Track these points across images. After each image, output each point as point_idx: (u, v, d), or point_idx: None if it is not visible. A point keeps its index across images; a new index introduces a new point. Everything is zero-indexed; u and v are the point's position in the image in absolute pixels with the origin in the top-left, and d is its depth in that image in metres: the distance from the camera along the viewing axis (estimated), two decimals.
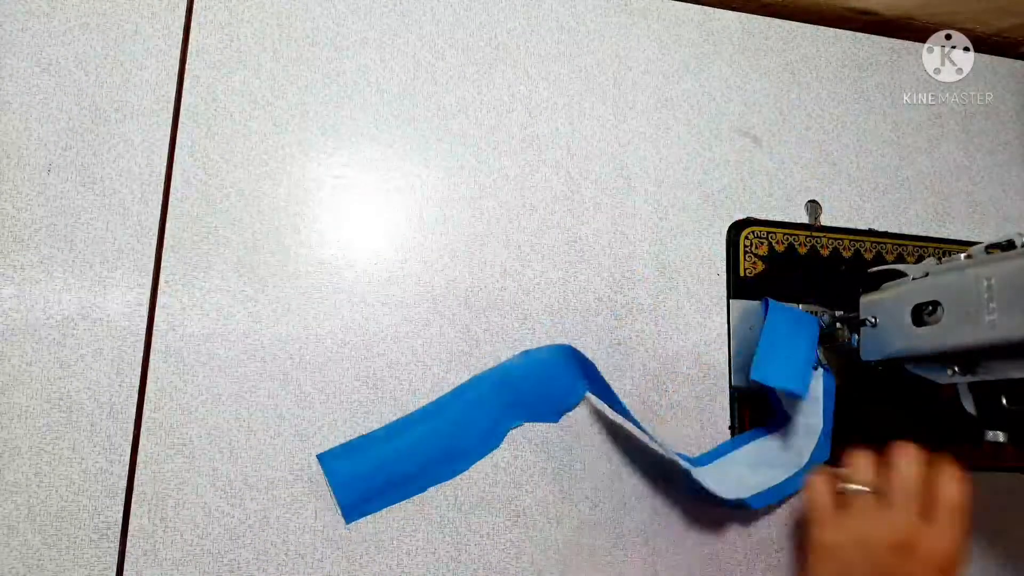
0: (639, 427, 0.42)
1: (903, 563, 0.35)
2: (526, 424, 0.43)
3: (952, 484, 0.36)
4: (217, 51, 0.45)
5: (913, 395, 0.48)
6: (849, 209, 0.52)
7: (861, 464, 0.39)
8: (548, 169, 0.47)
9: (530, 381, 0.44)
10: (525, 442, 0.43)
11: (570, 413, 0.44)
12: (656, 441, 0.42)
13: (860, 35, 0.55)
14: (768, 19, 0.54)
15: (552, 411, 0.44)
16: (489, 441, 0.43)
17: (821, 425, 0.46)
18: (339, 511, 0.40)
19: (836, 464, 0.46)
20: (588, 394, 0.44)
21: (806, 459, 0.46)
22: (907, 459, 0.37)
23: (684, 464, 0.42)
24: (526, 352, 0.44)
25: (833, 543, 0.37)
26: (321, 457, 0.40)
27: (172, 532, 0.39)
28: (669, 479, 0.44)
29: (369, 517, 0.41)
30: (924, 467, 0.37)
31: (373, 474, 0.41)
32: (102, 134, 0.42)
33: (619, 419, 0.44)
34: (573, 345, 0.45)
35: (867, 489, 0.37)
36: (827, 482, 0.39)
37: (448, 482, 0.42)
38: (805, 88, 0.53)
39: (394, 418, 0.42)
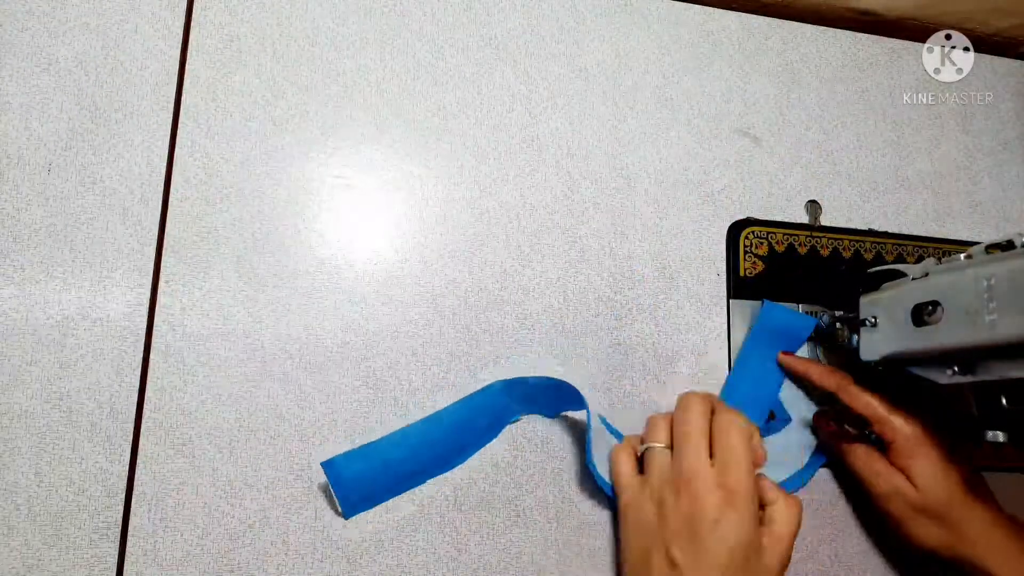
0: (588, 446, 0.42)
1: (685, 501, 0.36)
2: (526, 424, 0.43)
3: (731, 428, 0.37)
4: (217, 51, 0.45)
5: (913, 395, 0.48)
6: (849, 209, 0.52)
7: (656, 424, 0.40)
8: (548, 169, 0.47)
9: (538, 388, 0.43)
10: (525, 442, 0.43)
11: (570, 413, 0.44)
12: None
13: (860, 35, 0.55)
14: (768, 19, 0.54)
15: (552, 409, 0.44)
16: (488, 434, 0.43)
17: None
18: (339, 509, 0.40)
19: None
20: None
21: (805, 460, 0.46)
22: (687, 410, 0.39)
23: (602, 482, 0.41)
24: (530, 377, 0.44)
25: (633, 502, 0.38)
26: (324, 465, 0.40)
27: (172, 532, 0.39)
28: None
29: (369, 517, 0.41)
30: (708, 414, 0.38)
31: (376, 478, 0.40)
32: (102, 134, 0.42)
33: (619, 419, 0.44)
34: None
35: (661, 445, 0.38)
36: (626, 449, 0.40)
37: (448, 482, 0.42)
38: (805, 88, 0.53)
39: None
